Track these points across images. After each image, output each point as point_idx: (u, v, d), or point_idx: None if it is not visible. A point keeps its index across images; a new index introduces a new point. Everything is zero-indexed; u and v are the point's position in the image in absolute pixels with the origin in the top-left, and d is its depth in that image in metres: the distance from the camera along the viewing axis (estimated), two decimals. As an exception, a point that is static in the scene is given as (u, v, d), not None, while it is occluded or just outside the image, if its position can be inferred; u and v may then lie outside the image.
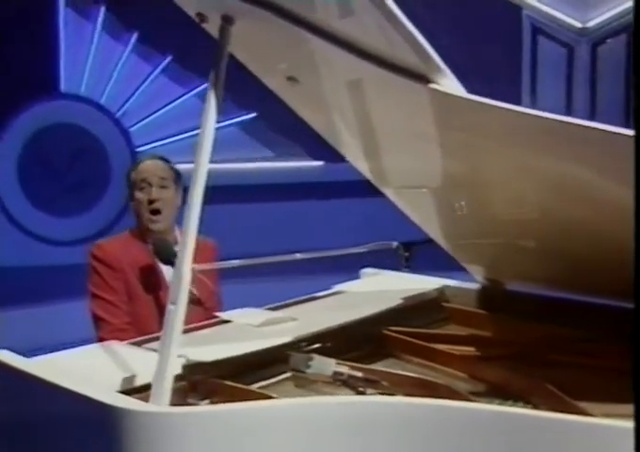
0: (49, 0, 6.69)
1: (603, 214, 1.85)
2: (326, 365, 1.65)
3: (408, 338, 2.14)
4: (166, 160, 2.81)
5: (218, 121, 6.97)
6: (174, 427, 1.45)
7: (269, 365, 1.85)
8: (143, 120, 7.14)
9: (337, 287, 2.57)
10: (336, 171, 6.18)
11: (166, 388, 1.50)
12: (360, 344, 2.13)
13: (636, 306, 1.21)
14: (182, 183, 2.78)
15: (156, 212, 2.66)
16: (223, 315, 2.16)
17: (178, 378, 1.74)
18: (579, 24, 7.02)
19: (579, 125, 1.62)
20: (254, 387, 1.77)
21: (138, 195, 2.72)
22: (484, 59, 6.46)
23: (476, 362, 2.00)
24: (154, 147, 7.17)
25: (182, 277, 1.58)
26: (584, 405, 1.69)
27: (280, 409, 1.48)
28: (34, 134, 6.76)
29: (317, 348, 1.96)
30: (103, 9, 6.82)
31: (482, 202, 2.28)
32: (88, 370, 1.72)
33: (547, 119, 1.66)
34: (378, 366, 1.90)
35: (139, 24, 6.88)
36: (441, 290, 2.60)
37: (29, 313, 5.44)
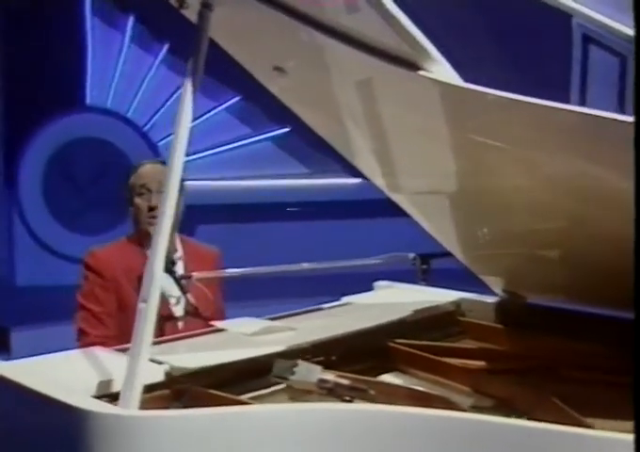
0: (75, 8, 6.84)
1: (630, 221, 1.83)
2: (311, 372, 1.66)
3: (414, 351, 2.14)
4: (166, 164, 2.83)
5: (251, 136, 7.10)
6: (142, 430, 1.47)
7: (262, 376, 1.85)
8: (172, 134, 7.23)
9: (346, 299, 2.58)
10: (374, 189, 6.18)
11: (135, 390, 1.52)
12: (363, 356, 2.13)
13: (636, 312, 1.23)
14: (182, 188, 2.80)
15: (156, 216, 2.68)
16: (218, 324, 2.18)
17: (159, 385, 1.78)
18: (632, 32, 6.95)
19: (606, 118, 1.59)
20: (244, 397, 1.78)
21: (137, 201, 2.76)
22: (532, 69, 6.43)
23: (483, 376, 2.00)
24: (185, 161, 7.27)
25: (153, 274, 1.60)
26: (593, 421, 1.68)
27: (252, 415, 1.49)
28: (58, 148, 6.90)
29: (314, 359, 1.97)
30: (132, 19, 6.93)
31: (500, 209, 2.28)
32: (67, 375, 1.76)
33: (567, 111, 1.63)
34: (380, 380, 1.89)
35: (170, 34, 7.00)
36: (457, 303, 2.60)
37: (51, 332, 5.53)
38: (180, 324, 2.59)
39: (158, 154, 7.17)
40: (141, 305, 1.57)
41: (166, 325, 2.54)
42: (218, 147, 7.26)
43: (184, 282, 2.53)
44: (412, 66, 1.64)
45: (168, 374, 1.78)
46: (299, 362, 1.68)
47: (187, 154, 7.12)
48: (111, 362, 1.83)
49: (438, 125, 1.96)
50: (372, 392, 1.63)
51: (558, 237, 2.32)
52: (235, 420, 1.47)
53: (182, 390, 1.79)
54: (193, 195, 7.80)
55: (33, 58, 6.65)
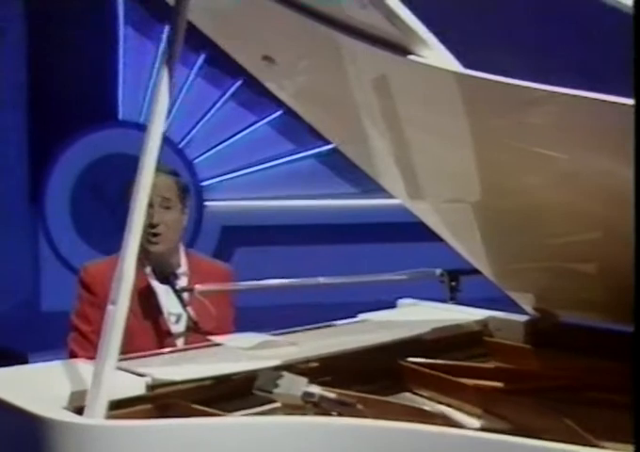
0: (108, 18, 6.99)
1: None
2: (296, 385, 1.65)
3: (426, 370, 2.13)
4: (172, 173, 2.83)
5: (294, 153, 7.15)
6: (107, 440, 1.49)
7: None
8: (209, 150, 7.33)
9: (363, 316, 2.58)
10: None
11: (101, 399, 1.54)
12: (372, 375, 2.13)
13: (636, 317, 1.22)
14: (189, 199, 2.83)
15: (157, 234, 2.70)
16: (215, 339, 2.19)
17: (142, 399, 1.80)
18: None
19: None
20: (236, 415, 1.79)
21: None
22: (602, 61, 6.36)
23: (497, 397, 1.99)
24: (222, 181, 7.35)
25: (123, 274, 1.62)
26: (608, 445, 1.65)
27: (222, 426, 1.50)
28: (88, 164, 7.03)
29: (313, 376, 1.97)
30: (166, 28, 7.02)
31: (531, 220, 2.26)
32: (43, 385, 1.79)
33: (608, 103, 1.58)
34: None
35: (207, 44, 7.10)
36: (484, 323, 2.58)
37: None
38: (180, 341, 2.61)
39: (194, 173, 7.27)
40: (110, 308, 1.59)
41: (164, 342, 2.56)
42: (258, 164, 7.33)
43: (185, 295, 2.55)
44: (401, 50, 1.64)
45: (149, 387, 1.80)
46: (284, 373, 1.68)
47: (224, 173, 7.21)
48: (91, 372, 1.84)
49: (453, 124, 1.96)
50: (359, 406, 1.62)
51: (593, 250, 2.28)
52: (202, 432, 1.48)
53: (166, 405, 1.81)
54: (230, 216, 7.91)
55: (62, 71, 6.80)
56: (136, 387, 1.79)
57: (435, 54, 1.65)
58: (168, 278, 2.56)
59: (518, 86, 1.65)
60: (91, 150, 6.95)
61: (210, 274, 2.75)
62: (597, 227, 2.17)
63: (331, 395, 1.63)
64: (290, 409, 1.74)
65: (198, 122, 7.29)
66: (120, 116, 7.17)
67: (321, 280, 2.62)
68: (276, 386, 1.66)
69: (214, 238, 7.23)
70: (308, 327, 2.42)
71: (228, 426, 1.51)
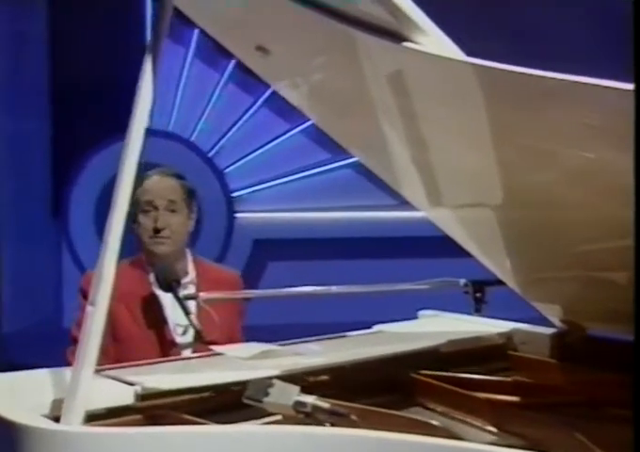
0: (134, 20, 7.06)
1: None
2: (287, 394, 1.65)
3: (437, 383, 2.12)
4: (178, 176, 2.88)
5: (330, 162, 7.15)
6: (84, 447, 1.51)
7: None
8: (240, 160, 7.36)
9: (378, 327, 2.59)
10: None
11: (78, 405, 1.56)
12: (381, 388, 2.14)
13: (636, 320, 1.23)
14: (196, 202, 2.85)
15: (162, 236, 2.73)
16: (216, 348, 2.21)
17: (131, 409, 1.81)
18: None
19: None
20: (233, 427, 1.80)
21: (142, 220, 2.78)
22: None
23: (510, 411, 1.99)
24: (253, 191, 7.38)
25: (102, 274, 1.64)
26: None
27: (200, 435, 1.52)
28: (113, 176, 7.07)
29: (317, 387, 1.98)
30: (196, 32, 7.09)
31: (557, 223, 2.24)
32: (27, 392, 1.82)
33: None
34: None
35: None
36: (508, 336, 2.57)
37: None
38: (187, 352, 2.62)
39: (225, 183, 7.30)
40: (89, 308, 1.61)
41: (169, 353, 2.57)
42: (292, 174, 7.34)
43: (189, 303, 2.57)
44: (396, 37, 1.64)
45: (138, 396, 1.82)
46: (275, 382, 1.68)
47: (256, 184, 7.24)
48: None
49: (471, 121, 1.95)
50: (353, 417, 1.62)
51: (623, 258, 2.25)
52: (181, 440, 1.49)
53: (157, 415, 1.82)
54: (262, 228, 7.93)
55: (87, 78, 6.87)
56: (124, 396, 1.81)
57: (434, 41, 1.65)
58: (171, 285, 2.58)
59: (542, 77, 1.62)
60: (117, 160, 6.96)
61: (218, 281, 2.78)
62: (628, 233, 2.14)
63: (325, 404, 1.63)
64: (292, 421, 1.75)
65: (228, 130, 7.32)
66: (148, 124, 7.21)
67: (334, 289, 2.62)
68: (266, 395, 1.66)
69: (245, 252, 7.24)
70: (319, 337, 2.44)
71: (206, 435, 1.53)
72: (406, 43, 1.65)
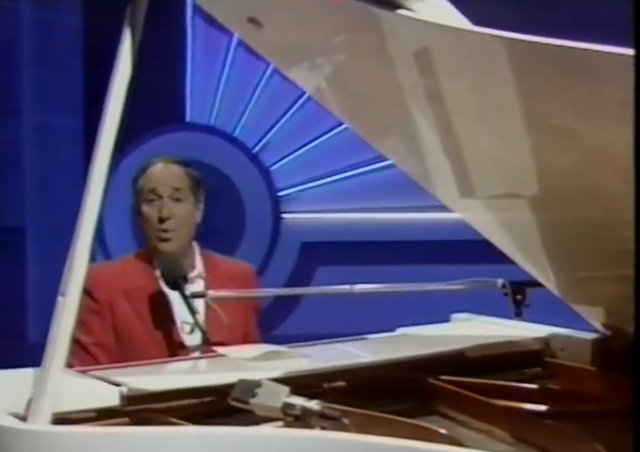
0: (175, 12, 7.11)
1: None
2: (275, 395, 1.64)
3: (456, 389, 2.10)
4: (183, 163, 2.89)
5: (382, 160, 7.06)
6: (51, 446, 1.53)
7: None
8: (287, 156, 7.35)
9: (402, 330, 2.57)
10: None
11: (46, 402, 1.58)
12: (396, 394, 2.13)
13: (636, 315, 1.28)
14: (203, 191, 2.86)
15: (167, 230, 2.73)
16: (218, 350, 2.21)
17: (117, 412, 1.83)
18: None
19: None
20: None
21: (146, 209, 2.80)
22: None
23: (528, 420, 1.98)
24: (301, 190, 7.37)
25: (74, 261, 1.65)
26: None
27: (172, 436, 1.53)
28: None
29: (320, 391, 1.98)
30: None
31: (599, 216, 2.21)
32: (5, 392, 1.83)
33: None
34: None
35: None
36: (546, 341, 2.54)
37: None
38: (196, 354, 2.62)
39: (270, 182, 7.31)
40: (59, 299, 1.62)
41: (176, 355, 2.57)
42: (343, 172, 7.31)
43: (194, 301, 2.57)
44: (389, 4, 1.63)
45: (124, 397, 1.83)
46: (264, 382, 1.67)
47: (304, 182, 7.24)
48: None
49: (504, 102, 1.93)
50: (345, 420, 1.61)
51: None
52: (152, 440, 1.49)
53: (144, 419, 1.83)
54: (311, 230, 7.94)
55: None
56: (109, 397, 1.82)
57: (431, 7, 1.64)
58: (177, 282, 2.59)
59: (586, 50, 1.60)
60: (154, 156, 7.00)
61: (229, 277, 2.78)
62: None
63: (315, 406, 1.62)
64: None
65: (274, 125, 7.30)
66: (188, 117, 7.26)
67: (357, 288, 2.61)
68: (253, 396, 1.65)
69: (292, 256, 7.25)
70: (336, 340, 2.44)
71: (177, 436, 1.53)
72: (401, 11, 1.64)
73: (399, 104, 2.17)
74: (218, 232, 7.27)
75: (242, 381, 1.70)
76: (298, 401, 1.64)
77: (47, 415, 1.57)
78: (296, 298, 6.64)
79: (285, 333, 6.27)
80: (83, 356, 2.67)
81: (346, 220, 7.32)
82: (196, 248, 2.86)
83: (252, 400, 1.66)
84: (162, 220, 2.73)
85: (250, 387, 1.67)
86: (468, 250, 7.09)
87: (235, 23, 2.02)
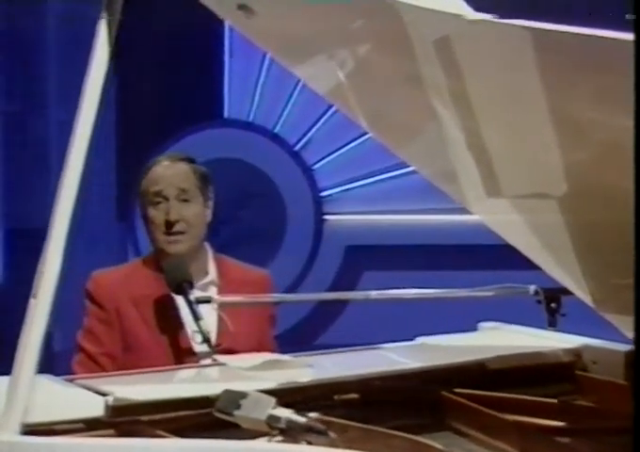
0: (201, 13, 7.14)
1: None
2: (260, 407, 1.64)
3: (469, 403, 2.09)
4: (188, 160, 2.89)
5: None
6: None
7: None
8: (331, 154, 7.34)
9: (421, 339, 2.57)
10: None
11: (16, 411, 1.59)
12: (407, 408, 2.13)
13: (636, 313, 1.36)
14: (212, 188, 2.86)
15: (176, 233, 2.73)
16: (219, 358, 2.22)
17: (102, 423, 1.84)
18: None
19: None
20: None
21: (152, 213, 2.81)
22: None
23: (540, 436, 1.98)
24: (346, 190, 7.36)
25: (46, 261, 1.68)
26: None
27: (151, 449, 1.51)
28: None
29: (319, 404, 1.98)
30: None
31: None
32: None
33: None
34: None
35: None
36: (577, 353, 2.51)
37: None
38: (207, 362, 2.63)
39: (313, 181, 7.30)
40: (31, 301, 1.64)
41: (184, 363, 2.58)
42: (391, 171, 7.28)
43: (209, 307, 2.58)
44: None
45: (108, 408, 1.84)
46: (249, 392, 1.67)
47: (349, 181, 7.23)
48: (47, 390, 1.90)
49: (530, 95, 1.92)
50: (332, 434, 1.60)
51: None
52: None
53: (132, 430, 1.84)
54: (356, 233, 7.92)
55: (157, 64, 6.96)
56: (93, 407, 1.83)
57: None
58: (181, 286, 2.59)
59: (616, 40, 1.58)
60: (191, 154, 7.02)
61: (244, 283, 2.79)
62: None
63: (301, 419, 1.61)
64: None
65: (317, 121, 7.29)
66: (226, 113, 7.28)
67: (373, 294, 2.61)
68: (237, 408, 1.65)
69: (335, 260, 7.23)
70: (349, 349, 2.44)
71: (158, 449, 1.52)
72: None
73: (417, 100, 2.17)
74: (258, 234, 7.31)
75: (227, 392, 1.70)
76: (284, 414, 1.63)
77: (15, 425, 1.58)
78: (340, 305, 6.64)
79: (327, 343, 6.28)
80: (90, 366, 2.70)
81: (393, 222, 7.28)
82: (209, 251, 2.86)
83: (236, 412, 1.65)
84: (170, 224, 2.73)
85: (235, 398, 1.67)
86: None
87: (225, 10, 2.01)
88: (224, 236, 7.13)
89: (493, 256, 7.04)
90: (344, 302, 6.20)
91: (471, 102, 2.07)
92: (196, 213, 2.79)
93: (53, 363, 3.04)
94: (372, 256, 7.22)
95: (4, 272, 6.76)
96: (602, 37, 1.59)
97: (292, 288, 6.85)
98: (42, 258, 1.71)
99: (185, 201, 2.77)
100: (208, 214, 2.84)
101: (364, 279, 7.31)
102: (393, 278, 7.00)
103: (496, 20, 1.73)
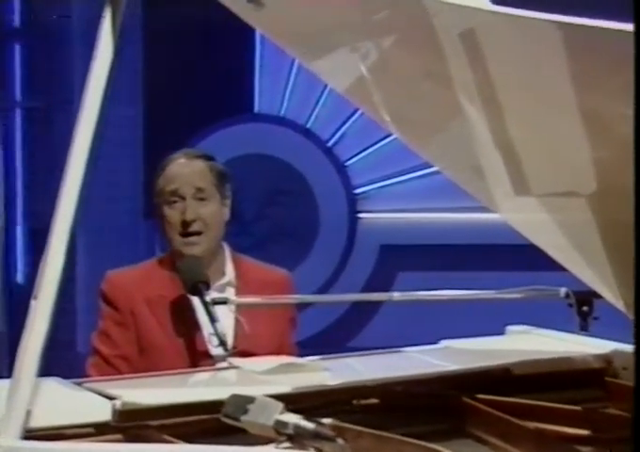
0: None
1: None
2: (267, 412, 1.64)
3: (490, 409, 2.09)
4: (205, 157, 2.88)
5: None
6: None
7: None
8: (365, 150, 7.33)
9: (446, 342, 2.56)
10: None
11: (16, 416, 1.61)
12: (427, 414, 2.13)
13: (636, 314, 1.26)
14: (230, 187, 2.86)
15: (193, 234, 2.74)
16: (234, 362, 2.23)
17: (110, 427, 1.85)
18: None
19: None
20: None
21: (168, 212, 2.81)
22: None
23: (560, 445, 1.97)
24: (381, 187, 7.34)
25: (47, 260, 1.70)
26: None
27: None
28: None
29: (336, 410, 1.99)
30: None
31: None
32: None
33: None
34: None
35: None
36: (608, 359, 2.50)
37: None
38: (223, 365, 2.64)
39: (347, 178, 7.29)
40: (32, 302, 1.65)
41: (201, 366, 2.59)
42: (427, 167, 7.23)
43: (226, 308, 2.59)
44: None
45: (116, 412, 1.85)
46: (257, 397, 1.68)
47: (384, 178, 7.21)
48: (51, 393, 1.92)
49: (558, 91, 1.92)
50: (340, 441, 1.60)
51: None
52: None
53: (140, 436, 1.85)
54: (392, 232, 7.90)
55: (185, 58, 6.97)
56: (101, 411, 1.85)
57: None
58: (197, 287, 2.61)
59: None
60: (220, 150, 6.91)
61: (263, 283, 2.79)
62: None
63: (309, 425, 1.62)
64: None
65: (351, 115, 7.27)
66: (256, 108, 7.28)
67: (396, 295, 2.61)
68: (245, 413, 1.66)
69: (370, 260, 7.22)
70: (369, 352, 2.44)
71: None
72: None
73: (442, 97, 2.16)
74: (289, 233, 7.32)
75: (234, 397, 1.70)
76: (292, 419, 1.63)
77: (16, 430, 1.59)
78: (373, 306, 6.63)
79: (360, 345, 6.27)
80: (104, 368, 2.72)
81: (430, 221, 7.26)
82: (226, 250, 2.87)
83: (243, 417, 1.66)
84: (186, 223, 2.74)
85: (242, 403, 1.67)
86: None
87: (234, 3, 2.02)
88: (253, 236, 7.15)
89: (531, 256, 7.02)
90: (377, 304, 6.17)
91: (497, 98, 2.07)
92: (213, 212, 2.78)
93: (76, 365, 3.08)
94: (407, 256, 7.19)
95: (26, 272, 6.81)
96: (631, 31, 1.59)
97: (324, 289, 6.86)
98: (44, 258, 1.73)
99: (202, 200, 2.77)
100: (226, 213, 2.84)
101: (399, 279, 7.30)
102: (430, 278, 6.96)
103: (524, 13, 1.73)
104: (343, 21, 2.00)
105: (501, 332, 2.82)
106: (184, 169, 2.82)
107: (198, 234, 2.75)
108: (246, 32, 7.23)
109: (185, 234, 2.75)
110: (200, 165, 2.83)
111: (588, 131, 1.99)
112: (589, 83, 1.85)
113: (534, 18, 1.71)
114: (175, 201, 2.79)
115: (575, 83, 1.85)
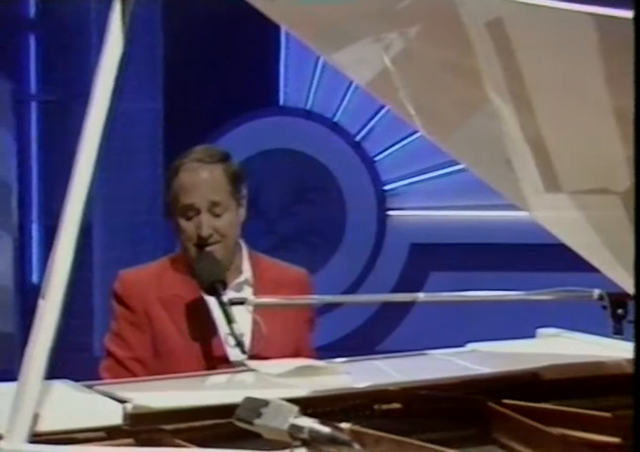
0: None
1: None
2: (281, 415, 1.65)
3: (515, 415, 2.10)
4: (221, 158, 2.87)
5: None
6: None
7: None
8: (395, 145, 7.32)
9: (472, 346, 2.58)
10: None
11: (23, 419, 1.63)
12: (451, 419, 2.15)
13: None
14: (245, 186, 2.87)
15: (209, 244, 2.74)
16: (250, 364, 2.25)
17: (122, 431, 1.88)
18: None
19: None
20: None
21: (184, 224, 2.81)
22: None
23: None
24: (411, 184, 7.33)
25: (55, 260, 1.71)
26: None
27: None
28: (240, 163, 7.17)
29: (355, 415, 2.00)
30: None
31: None
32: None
33: None
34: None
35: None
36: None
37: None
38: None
39: (375, 174, 7.28)
40: (40, 302, 1.67)
41: (218, 369, 2.60)
42: (455, 165, 7.20)
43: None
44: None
45: (127, 415, 1.87)
46: (271, 400, 1.69)
47: (414, 174, 7.21)
48: (61, 396, 1.94)
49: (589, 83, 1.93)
50: (357, 446, 1.62)
51: None
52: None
53: (152, 440, 1.88)
54: (422, 230, 7.89)
55: (206, 49, 6.98)
56: (112, 415, 1.87)
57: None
58: (214, 287, 2.62)
59: None
60: (243, 145, 7.00)
61: (280, 282, 2.80)
62: None
63: (325, 429, 1.63)
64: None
65: (380, 109, 7.26)
66: (282, 101, 7.29)
67: (421, 296, 2.62)
68: (258, 416, 1.67)
69: (399, 259, 7.22)
70: (394, 355, 2.45)
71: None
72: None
73: (469, 91, 2.17)
74: (315, 231, 7.32)
75: (248, 400, 1.72)
76: (306, 423, 1.65)
77: (23, 433, 1.61)
78: (403, 307, 6.61)
79: (390, 348, 6.27)
80: (119, 372, 2.73)
81: (462, 218, 7.25)
82: (243, 249, 2.88)
83: (257, 421, 1.67)
84: (202, 239, 2.75)
85: (256, 406, 1.69)
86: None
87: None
88: (278, 234, 7.16)
89: (565, 257, 6.99)
90: (407, 305, 6.16)
91: (525, 91, 2.08)
92: (229, 222, 2.78)
93: (93, 368, 3.11)
94: (438, 255, 7.18)
95: (41, 272, 6.83)
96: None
97: (351, 290, 6.86)
98: (52, 256, 1.75)
99: (218, 215, 2.76)
100: (242, 213, 2.84)
101: (430, 279, 7.29)
102: (462, 279, 6.95)
103: (553, 3, 1.73)
104: (363, 10, 2.01)
105: (532, 335, 2.83)
106: (199, 179, 2.78)
107: (214, 243, 2.76)
108: (271, 22, 7.22)
109: (201, 246, 2.76)
110: (214, 172, 2.80)
111: (620, 126, 1.99)
112: (621, 77, 1.85)
113: (564, 8, 1.72)
114: (190, 217, 2.78)
115: (607, 76, 1.86)
